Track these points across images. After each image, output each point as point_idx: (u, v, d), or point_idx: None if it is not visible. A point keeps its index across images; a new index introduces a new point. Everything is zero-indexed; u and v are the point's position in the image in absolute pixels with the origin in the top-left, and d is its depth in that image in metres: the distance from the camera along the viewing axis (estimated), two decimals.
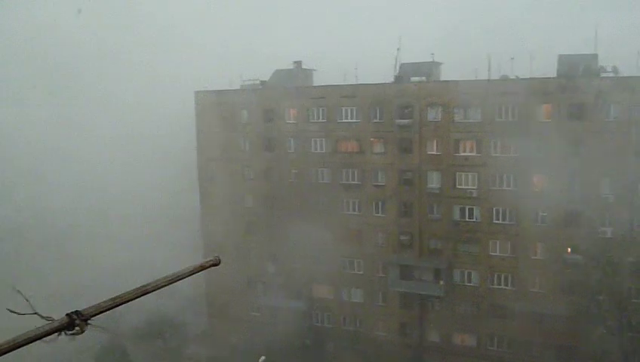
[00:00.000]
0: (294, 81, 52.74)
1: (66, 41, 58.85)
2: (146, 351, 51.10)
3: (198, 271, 6.04)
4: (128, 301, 5.30)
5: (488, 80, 45.87)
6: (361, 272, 50.59)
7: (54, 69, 56.51)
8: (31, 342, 4.75)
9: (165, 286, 5.63)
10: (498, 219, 45.89)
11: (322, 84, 52.35)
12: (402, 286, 48.88)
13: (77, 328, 5.00)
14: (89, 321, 5.08)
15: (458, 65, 46.08)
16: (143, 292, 5.37)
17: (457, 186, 46.58)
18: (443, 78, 49.71)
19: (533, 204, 44.14)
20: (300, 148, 51.29)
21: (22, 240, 56.22)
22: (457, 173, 46.46)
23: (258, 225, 53.67)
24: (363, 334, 50.54)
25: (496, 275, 46.45)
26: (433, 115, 46.65)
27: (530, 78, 44.39)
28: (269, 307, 53.50)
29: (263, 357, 43.19)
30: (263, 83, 54.57)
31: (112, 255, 50.96)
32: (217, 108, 53.74)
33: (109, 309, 5.15)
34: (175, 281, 5.76)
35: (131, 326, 48.69)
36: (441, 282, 47.68)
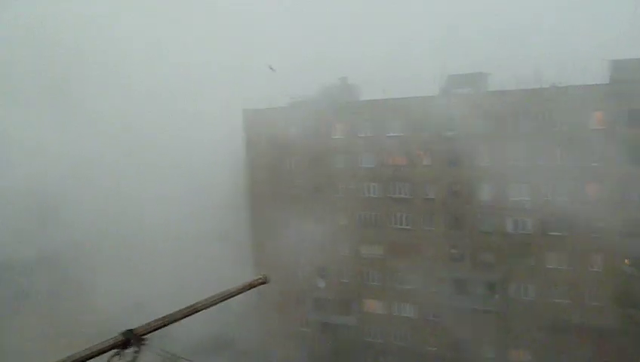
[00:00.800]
0: (340, 96, 53.01)
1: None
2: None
3: (247, 290, 6.17)
4: (179, 319, 5.45)
5: (537, 88, 44.99)
6: (411, 286, 50.04)
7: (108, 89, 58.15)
8: (90, 358, 4.94)
9: (214, 304, 5.77)
10: (553, 231, 44.72)
11: (368, 99, 52.43)
12: (455, 301, 48.05)
13: (133, 346, 5.17)
14: (144, 340, 5.25)
15: (504, 74, 45.30)
16: (193, 310, 5.52)
17: (509, 198, 45.72)
18: (491, 88, 49.01)
19: (589, 214, 42.89)
20: (348, 163, 51.41)
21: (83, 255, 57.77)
22: (509, 184, 45.63)
23: (307, 240, 53.84)
24: (415, 350, 49.84)
25: (552, 288, 45.21)
26: (482, 125, 46.05)
27: (582, 86, 43.30)
28: (319, 322, 53.43)
29: None
30: (309, 99, 55.02)
31: (169, 272, 51.81)
32: (265, 126, 54.47)
33: (160, 327, 5.31)
34: (224, 300, 5.89)
35: (181, 341, 49.37)
36: (496, 296, 46.70)
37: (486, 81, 49.11)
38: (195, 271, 48.49)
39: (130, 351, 5.20)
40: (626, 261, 42.70)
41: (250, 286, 5.94)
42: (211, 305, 5.61)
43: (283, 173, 54.29)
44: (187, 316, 5.47)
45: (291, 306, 54.49)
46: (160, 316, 5.51)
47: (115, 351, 5.13)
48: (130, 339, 4.98)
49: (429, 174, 48.21)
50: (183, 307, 5.56)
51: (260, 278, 6.03)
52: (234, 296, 5.82)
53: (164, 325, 5.26)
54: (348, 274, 52.38)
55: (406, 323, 50.59)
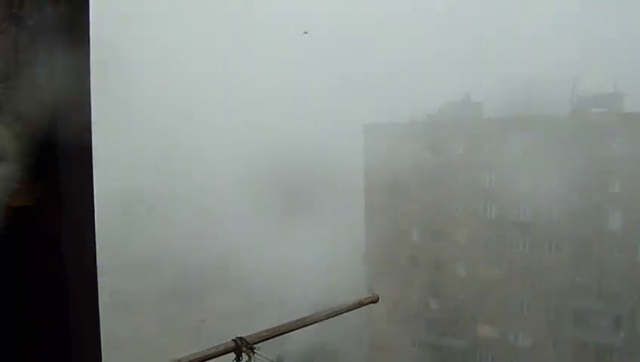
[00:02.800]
0: (463, 114, 51.98)
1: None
2: None
3: (357, 308, 6.18)
4: (288, 332, 5.58)
5: None
6: (530, 314, 47.78)
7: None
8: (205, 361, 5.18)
9: (324, 319, 5.85)
10: None
11: (491, 117, 51.01)
12: (577, 333, 45.34)
13: (244, 354, 5.36)
14: (254, 349, 5.43)
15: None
16: (303, 324, 5.62)
17: None
18: (627, 110, 46.02)
19: None
20: (469, 182, 50.21)
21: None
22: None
23: (422, 259, 53.17)
24: None
25: None
26: (616, 148, 43.28)
27: None
28: (430, 343, 52.36)
29: None
30: (431, 117, 54.52)
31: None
32: (385, 141, 54.56)
33: (269, 338, 5.47)
34: (333, 316, 5.95)
35: (290, 352, 50.30)
36: (622, 332, 43.48)
37: (622, 101, 46.21)
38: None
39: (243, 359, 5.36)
40: None
41: (360, 304, 5.95)
42: (321, 320, 5.68)
43: (402, 186, 53.98)
44: (297, 329, 5.58)
45: (402, 324, 53.83)
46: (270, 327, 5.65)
47: (234, 357, 5.34)
48: (242, 347, 5.15)
49: (555, 197, 45.88)
50: (293, 320, 5.68)
51: (370, 297, 6.04)
52: (344, 312, 5.86)
53: (274, 336, 5.40)
54: (463, 295, 50.95)
55: (522, 352, 48.31)
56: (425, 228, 52.94)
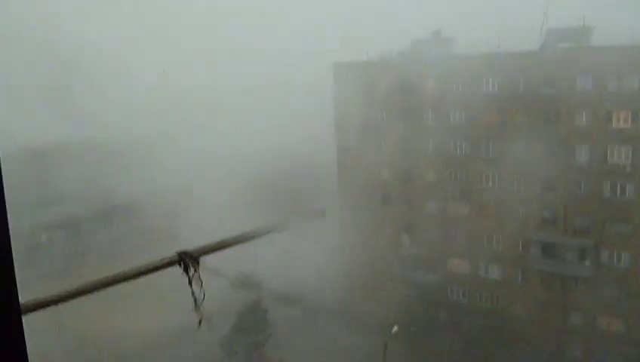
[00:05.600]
0: (433, 50, 51.73)
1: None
2: (285, 316, 53.63)
3: (303, 221, 6.34)
4: (233, 244, 5.71)
5: None
6: (499, 248, 49.08)
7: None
8: (146, 274, 5.30)
9: (269, 233, 5.99)
10: None
11: (463, 53, 50.91)
12: (544, 265, 46.78)
13: (191, 267, 5.49)
14: (199, 261, 5.56)
15: (612, 29, 42.41)
16: (246, 238, 5.77)
17: (608, 161, 43.43)
18: (595, 43, 46.16)
19: None
20: (438, 120, 50.47)
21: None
22: (609, 146, 43.28)
23: (394, 198, 53.91)
24: (500, 312, 49.16)
25: None
26: (583, 84, 43.68)
27: None
28: (404, 279, 53.65)
29: (395, 328, 43.75)
30: (401, 53, 54.16)
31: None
32: (355, 81, 54.28)
33: (214, 251, 5.59)
34: (280, 230, 6.09)
35: (270, 289, 51.30)
36: (587, 262, 44.99)
37: (590, 35, 46.31)
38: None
39: (188, 271, 5.49)
40: None
41: (307, 217, 6.10)
42: (265, 234, 5.82)
43: (372, 126, 54.07)
44: (241, 242, 5.71)
45: (376, 260, 54.97)
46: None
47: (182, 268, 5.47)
48: (186, 260, 5.28)
49: (524, 133, 46.47)
50: (236, 234, 5.81)
51: (317, 211, 6.17)
52: (289, 227, 6.00)
53: (218, 249, 5.53)
54: (434, 232, 51.99)
55: (491, 284, 49.85)
56: (396, 167, 53.41)
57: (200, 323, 5.85)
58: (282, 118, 54.94)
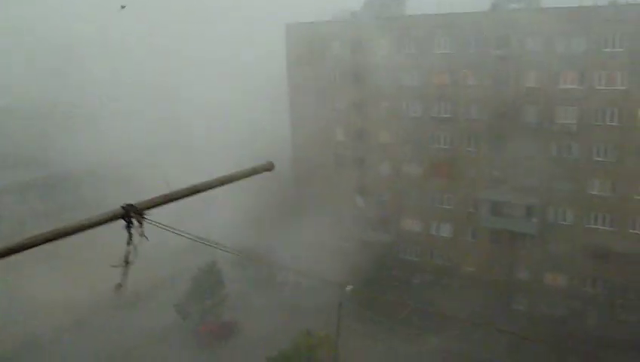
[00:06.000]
0: (386, 10, 51.49)
1: None
2: (240, 277, 53.83)
3: (251, 175, 6.22)
4: (180, 198, 5.56)
5: (595, 6, 42.70)
6: (450, 207, 50.07)
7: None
8: (90, 228, 5.12)
9: (216, 187, 5.85)
10: (599, 156, 43.59)
11: (415, 14, 50.83)
12: (493, 223, 48.01)
13: (134, 221, 5.31)
14: (144, 215, 5.39)
15: None
16: (194, 190, 5.62)
17: (556, 121, 44.49)
18: (545, 4, 46.75)
19: (638, 141, 41.55)
20: (391, 81, 50.54)
21: None
22: (556, 107, 44.29)
23: (348, 158, 54.11)
24: (450, 269, 50.47)
25: (593, 215, 44.55)
26: (532, 45, 44.30)
27: None
28: (358, 238, 54.30)
29: (349, 287, 44.33)
30: (353, 14, 53.73)
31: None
32: (308, 41, 53.66)
33: (161, 204, 5.44)
34: (226, 183, 5.96)
35: (223, 256, 51.20)
36: (534, 220, 46.39)
37: None
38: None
39: (132, 224, 5.30)
40: None
41: (254, 171, 5.96)
42: (212, 187, 5.67)
43: (325, 89, 53.81)
44: (189, 195, 5.56)
45: (332, 222, 55.32)
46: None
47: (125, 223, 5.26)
48: (130, 213, 5.10)
49: (475, 94, 47.07)
50: (184, 187, 5.64)
51: (264, 165, 6.04)
52: (236, 180, 5.86)
53: (165, 202, 5.37)
54: (387, 192, 52.58)
55: (443, 242, 50.97)
56: (349, 128, 53.51)
57: (119, 286, 5.55)
58: (235, 76, 54.16)
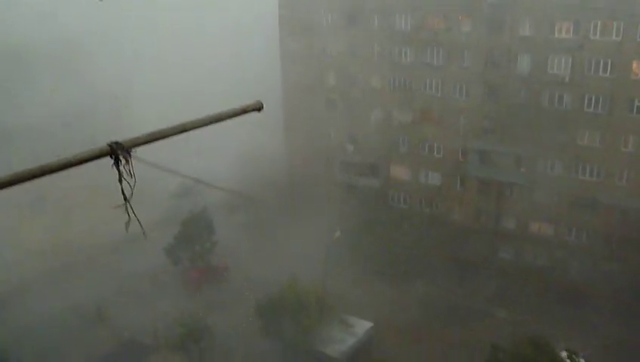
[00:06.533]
0: None
1: None
2: (228, 223, 54.17)
3: (239, 115, 6.13)
4: (166, 136, 5.49)
5: None
6: (440, 155, 50.17)
7: None
8: (78, 165, 5.06)
9: (204, 125, 5.78)
10: (590, 108, 43.50)
11: None
12: (482, 172, 48.26)
13: (121, 158, 5.24)
14: (131, 153, 5.33)
15: None
16: (181, 129, 5.54)
17: (549, 71, 44.18)
18: None
19: (631, 93, 41.47)
20: (384, 25, 49.78)
21: None
22: (550, 56, 43.91)
23: (338, 103, 53.79)
24: (438, 217, 50.95)
25: (581, 166, 44.82)
26: None
27: None
28: (346, 184, 54.53)
29: (338, 232, 44.84)
30: None
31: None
32: None
33: (147, 142, 5.36)
34: (215, 122, 5.88)
35: (214, 199, 51.46)
36: (523, 170, 46.66)
37: None
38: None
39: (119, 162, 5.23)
40: None
41: (243, 111, 5.87)
42: (200, 126, 5.59)
43: (316, 30, 52.98)
44: (176, 133, 5.49)
45: (321, 167, 55.46)
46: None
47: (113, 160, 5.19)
48: (117, 150, 5.03)
49: (468, 41, 46.50)
50: (171, 125, 5.56)
51: (253, 104, 5.95)
52: (225, 119, 5.77)
53: (152, 140, 5.29)
54: (376, 139, 52.53)
55: (431, 190, 51.27)
56: (341, 73, 52.96)
57: (127, 225, 5.61)
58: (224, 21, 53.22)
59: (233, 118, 6.14)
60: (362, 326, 40.84)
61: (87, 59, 56.97)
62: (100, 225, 47.52)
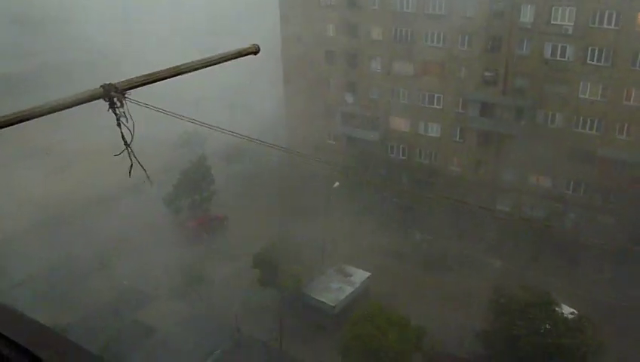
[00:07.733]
0: None
1: None
2: (227, 174, 54.22)
3: (235, 58, 6.00)
4: (162, 79, 5.39)
5: None
6: (440, 107, 49.81)
7: None
8: (70, 107, 4.97)
9: (200, 68, 5.66)
10: (593, 60, 42.96)
11: None
12: (482, 124, 48.00)
13: (116, 100, 5.15)
14: (125, 94, 5.23)
15: None
16: (177, 72, 5.43)
17: (552, 22, 43.44)
18: None
19: (635, 46, 40.88)
20: None
21: None
22: (554, 7, 43.10)
23: (338, 55, 53.08)
24: (437, 168, 50.96)
25: (582, 119, 44.56)
26: None
27: None
28: (346, 136, 54.33)
29: (337, 183, 44.91)
30: None
31: None
32: None
33: (142, 85, 5.26)
34: (210, 65, 5.76)
35: (214, 149, 51.36)
36: (523, 122, 46.40)
37: None
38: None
39: (114, 104, 5.15)
40: None
41: (239, 54, 5.74)
42: (195, 69, 5.48)
43: None
44: (171, 76, 5.38)
45: (320, 119, 55.18)
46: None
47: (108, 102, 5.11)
48: (111, 92, 4.94)
49: None
50: (166, 68, 5.46)
51: (250, 48, 5.82)
52: (220, 62, 5.66)
53: (147, 83, 5.19)
54: (377, 90, 52.07)
55: (430, 142, 51.12)
56: (340, 23, 52.09)
57: (130, 169, 5.59)
58: None
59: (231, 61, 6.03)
60: (360, 275, 41.31)
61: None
62: (103, 176, 47.79)
